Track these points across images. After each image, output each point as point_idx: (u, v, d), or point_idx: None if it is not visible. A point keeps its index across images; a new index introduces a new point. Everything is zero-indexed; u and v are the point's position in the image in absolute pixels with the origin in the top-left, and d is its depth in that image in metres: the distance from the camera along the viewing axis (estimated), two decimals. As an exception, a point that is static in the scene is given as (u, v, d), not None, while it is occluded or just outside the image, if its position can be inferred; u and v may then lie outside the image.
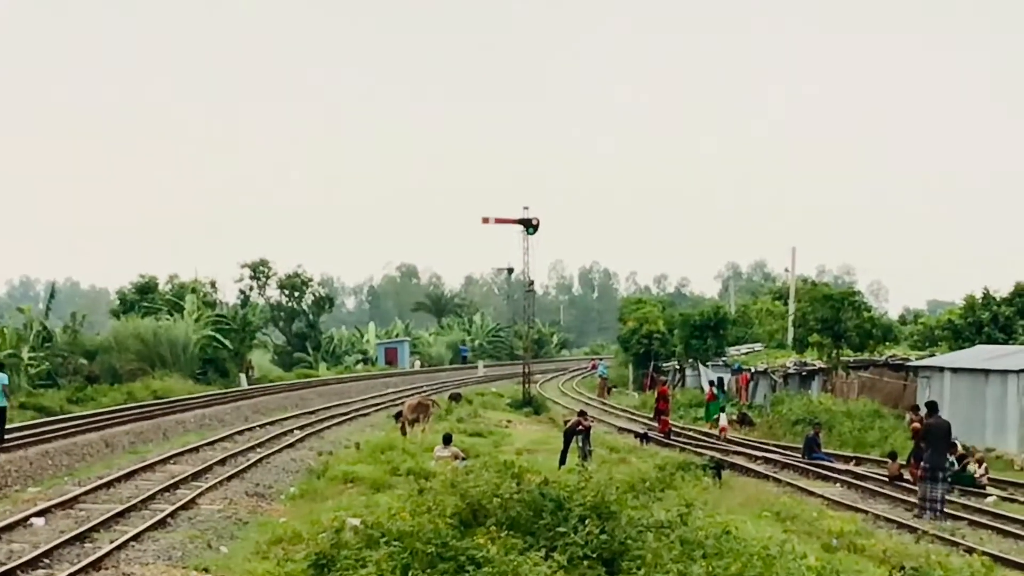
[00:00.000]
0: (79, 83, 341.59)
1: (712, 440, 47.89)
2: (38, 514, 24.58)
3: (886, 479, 34.75)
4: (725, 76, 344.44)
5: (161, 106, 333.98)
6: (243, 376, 78.59)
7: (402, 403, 50.48)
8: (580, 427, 37.21)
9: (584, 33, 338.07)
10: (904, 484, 33.87)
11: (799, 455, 41.10)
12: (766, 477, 36.47)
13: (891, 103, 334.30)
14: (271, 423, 49.92)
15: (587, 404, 69.87)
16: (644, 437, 47.15)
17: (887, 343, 64.61)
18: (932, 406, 31.74)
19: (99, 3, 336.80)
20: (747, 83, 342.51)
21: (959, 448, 34.88)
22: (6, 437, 36.37)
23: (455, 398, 62.01)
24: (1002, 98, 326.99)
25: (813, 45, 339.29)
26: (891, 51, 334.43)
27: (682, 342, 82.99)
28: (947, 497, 30.15)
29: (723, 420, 50.84)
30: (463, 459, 31.30)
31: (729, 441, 48.64)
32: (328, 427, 49.14)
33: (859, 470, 37.60)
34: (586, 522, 16.28)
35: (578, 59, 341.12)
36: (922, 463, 30.00)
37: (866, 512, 29.25)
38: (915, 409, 35.44)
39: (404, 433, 41.81)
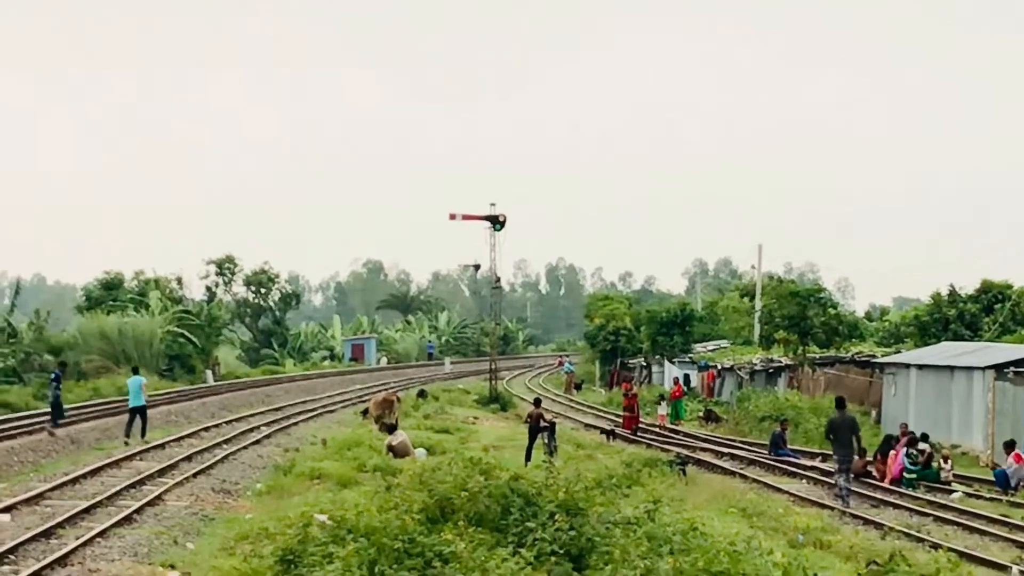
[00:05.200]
0: (48, 78, 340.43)
1: (680, 436, 48.04)
2: (4, 510, 24.40)
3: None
4: (693, 74, 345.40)
5: (130, 102, 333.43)
6: (209, 373, 78.32)
7: (369, 399, 50.44)
8: (544, 423, 37.30)
9: (553, 31, 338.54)
10: (870, 480, 34.08)
11: (765, 451, 41.15)
12: (732, 473, 36.45)
13: (860, 100, 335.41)
14: (237, 419, 49.69)
15: (554, 400, 70.02)
16: (610, 433, 47.20)
17: (853, 340, 64.89)
18: (839, 401, 32.99)
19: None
20: (715, 81, 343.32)
21: (923, 445, 35.04)
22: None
23: (422, 395, 62.03)
24: (972, 99, 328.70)
25: (778, 42, 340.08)
26: (858, 49, 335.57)
27: (649, 339, 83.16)
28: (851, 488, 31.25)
29: (661, 409, 51.55)
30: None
31: (671, 431, 49.14)
32: (295, 423, 48.94)
33: (825, 466, 37.66)
34: (555, 518, 16.27)
35: (546, 56, 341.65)
36: (834, 456, 31.53)
37: (832, 508, 29.33)
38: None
39: (388, 429, 41.72)
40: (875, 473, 34.64)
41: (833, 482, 31.77)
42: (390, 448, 34.51)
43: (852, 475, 31.61)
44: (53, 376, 41.56)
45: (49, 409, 41.78)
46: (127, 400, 41.88)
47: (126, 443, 38.65)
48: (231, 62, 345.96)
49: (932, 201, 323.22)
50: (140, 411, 40.35)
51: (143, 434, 40.01)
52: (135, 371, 43.84)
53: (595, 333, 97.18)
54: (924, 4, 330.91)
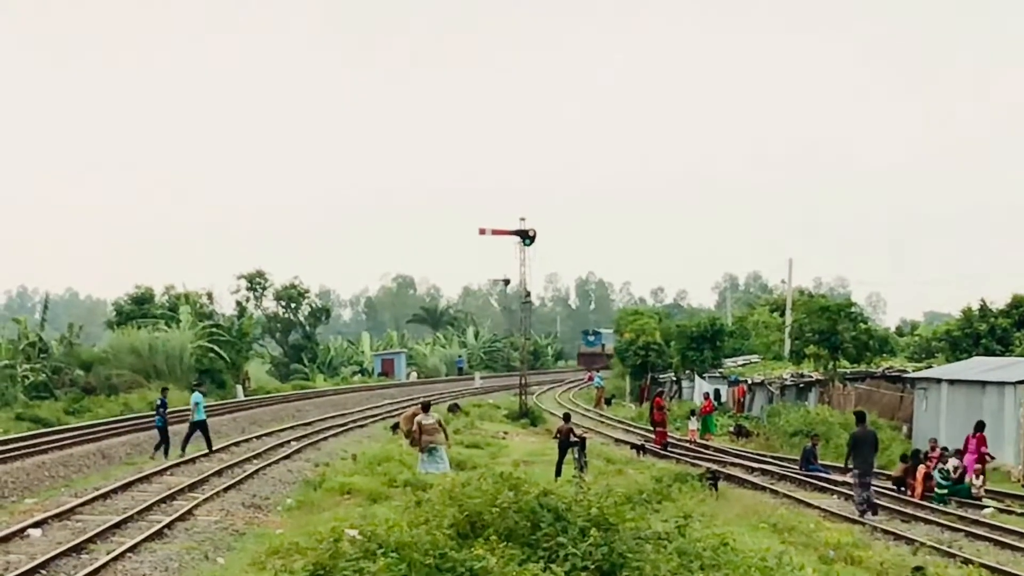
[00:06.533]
0: (78, 93, 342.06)
1: (710, 451, 47.97)
2: (35, 525, 24.54)
3: (888, 477, 35.11)
4: (722, 87, 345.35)
5: (160, 116, 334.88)
6: (239, 387, 78.50)
7: (399, 414, 50.47)
8: (574, 438, 37.21)
9: (581, 43, 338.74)
10: (900, 495, 33.99)
11: (796, 467, 41.05)
12: (763, 489, 36.37)
13: (887, 113, 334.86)
14: (267, 434, 49.85)
15: (584, 415, 69.89)
16: (641, 448, 47.11)
17: (884, 355, 64.65)
18: (860, 416, 33.40)
19: (105, 9, 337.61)
20: (742, 93, 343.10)
21: (954, 460, 34.87)
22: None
23: (453, 409, 62.04)
24: (1000, 111, 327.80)
25: (810, 53, 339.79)
26: (886, 62, 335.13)
27: (679, 353, 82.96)
28: (876, 501, 31.56)
29: (692, 424, 51.57)
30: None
31: (702, 446, 49.13)
32: (325, 438, 49.01)
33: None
34: (587, 534, 16.25)
35: (575, 70, 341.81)
36: (852, 469, 31.39)
37: (863, 524, 29.25)
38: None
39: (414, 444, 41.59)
40: (908, 492, 34.48)
41: (853, 495, 31.74)
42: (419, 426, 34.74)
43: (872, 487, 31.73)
44: (159, 402, 41.85)
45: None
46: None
47: (210, 452, 40.63)
48: (256, 77, 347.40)
49: (963, 215, 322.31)
50: (198, 425, 41.11)
51: (182, 447, 40.68)
52: (196, 386, 46.49)
53: (625, 348, 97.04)
54: (951, 15, 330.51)
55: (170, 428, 41.09)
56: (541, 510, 17.33)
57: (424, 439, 34.45)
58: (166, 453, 40.01)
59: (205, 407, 42.53)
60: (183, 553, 22.21)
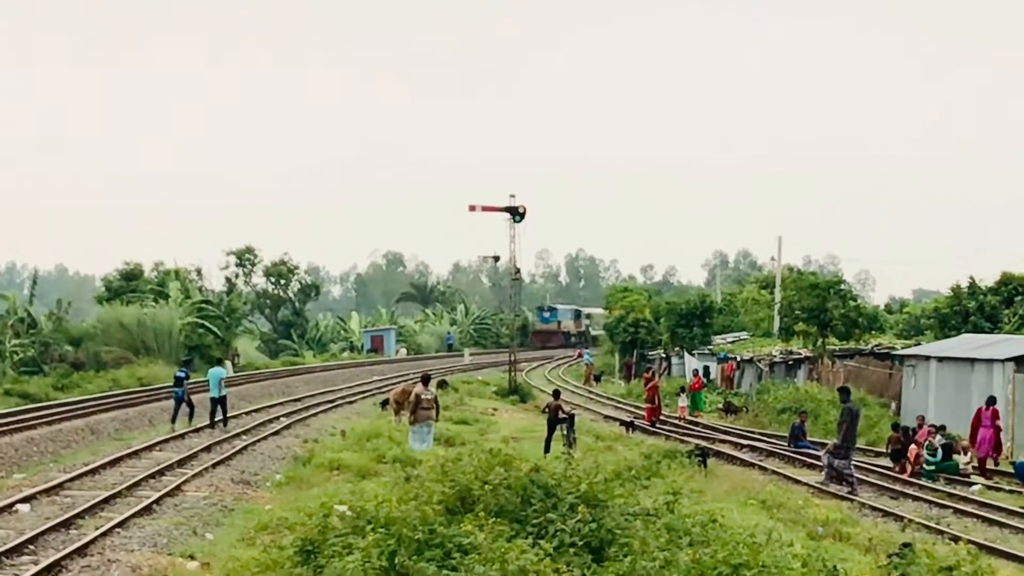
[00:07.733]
0: (69, 69, 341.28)
1: (699, 428, 48.05)
2: (23, 500, 24.49)
3: (879, 453, 35.30)
4: (711, 64, 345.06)
5: (150, 93, 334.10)
6: (229, 363, 78.26)
7: (388, 390, 50.41)
8: (563, 414, 37.22)
9: (568, 20, 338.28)
10: (886, 471, 34.06)
11: (785, 443, 41.12)
12: (752, 465, 36.44)
13: (878, 93, 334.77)
14: (256, 410, 49.70)
15: (573, 392, 69.94)
16: (630, 425, 47.12)
17: (873, 332, 64.65)
18: (845, 391, 33.78)
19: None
20: (734, 71, 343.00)
21: (939, 437, 34.86)
22: None
23: (442, 385, 62.03)
24: (994, 95, 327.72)
25: (800, 33, 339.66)
26: (876, 42, 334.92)
27: (668, 331, 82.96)
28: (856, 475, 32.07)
29: (681, 401, 51.67)
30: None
31: (691, 422, 49.23)
32: (314, 415, 48.93)
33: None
34: (576, 510, 16.23)
35: (563, 46, 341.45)
36: (846, 444, 31.86)
37: (851, 500, 29.30)
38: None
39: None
40: (898, 468, 34.52)
41: (839, 468, 31.94)
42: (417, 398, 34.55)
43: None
44: (181, 373, 42.67)
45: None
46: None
47: (210, 426, 41.27)
48: (247, 58, 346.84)
49: (953, 193, 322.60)
50: (219, 401, 41.76)
51: (225, 423, 41.68)
52: (218, 362, 47.00)
53: (614, 325, 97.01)
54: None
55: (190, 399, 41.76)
56: (532, 486, 17.32)
57: (420, 413, 34.22)
58: (174, 420, 41.06)
59: (190, 383, 42.60)
60: (172, 529, 22.18)
